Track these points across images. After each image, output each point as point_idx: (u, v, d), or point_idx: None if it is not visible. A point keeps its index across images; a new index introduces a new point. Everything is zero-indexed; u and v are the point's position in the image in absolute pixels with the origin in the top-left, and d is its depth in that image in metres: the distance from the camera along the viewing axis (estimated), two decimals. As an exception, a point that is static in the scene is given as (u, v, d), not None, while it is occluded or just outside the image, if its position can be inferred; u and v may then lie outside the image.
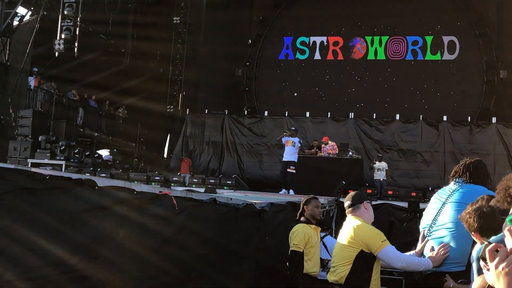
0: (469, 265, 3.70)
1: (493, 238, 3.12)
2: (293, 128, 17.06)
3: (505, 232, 1.87)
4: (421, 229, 4.64)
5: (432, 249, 4.38)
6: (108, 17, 22.60)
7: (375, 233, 4.62)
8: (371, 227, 4.71)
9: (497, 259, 1.85)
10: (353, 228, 4.62)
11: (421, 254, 4.52)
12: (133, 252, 4.05)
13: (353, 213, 4.79)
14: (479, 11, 25.97)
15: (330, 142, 18.88)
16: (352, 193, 5.01)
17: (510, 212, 2.00)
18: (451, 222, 4.32)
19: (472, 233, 3.52)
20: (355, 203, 4.79)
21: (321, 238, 7.02)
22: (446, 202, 4.42)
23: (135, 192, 4.06)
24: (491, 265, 1.86)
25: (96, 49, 23.53)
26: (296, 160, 16.04)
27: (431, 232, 4.47)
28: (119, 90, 25.18)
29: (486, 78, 25.80)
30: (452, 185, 4.51)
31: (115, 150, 22.79)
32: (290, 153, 16.02)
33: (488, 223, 3.38)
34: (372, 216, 4.86)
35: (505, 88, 24.88)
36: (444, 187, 4.59)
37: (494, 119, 21.74)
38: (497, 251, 1.88)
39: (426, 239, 4.49)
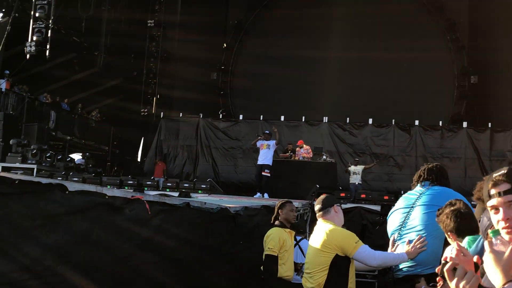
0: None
1: (469, 238, 3.16)
2: (267, 132, 17.11)
3: (485, 243, 1.90)
4: (390, 234, 4.65)
5: None
6: (82, 19, 22.36)
7: (347, 235, 4.62)
8: (343, 230, 4.71)
9: (455, 279, 1.87)
10: (325, 233, 4.60)
11: None
12: (105, 257, 4.01)
13: (323, 217, 4.78)
14: (451, 17, 26.38)
15: (304, 145, 18.97)
16: (322, 196, 4.98)
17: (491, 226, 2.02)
18: (421, 224, 4.34)
19: (448, 233, 3.53)
20: (325, 207, 4.78)
21: (297, 242, 7.03)
22: (414, 205, 4.43)
23: (106, 197, 4.01)
24: (452, 285, 1.88)
25: (69, 52, 23.25)
26: (270, 164, 16.11)
27: (401, 236, 4.48)
28: (92, 93, 24.92)
29: (458, 83, 26.21)
30: (419, 188, 4.54)
31: (87, 153, 22.52)
32: (264, 157, 16.09)
33: (465, 224, 3.42)
34: (342, 219, 4.86)
35: (476, 93, 25.30)
36: (409, 191, 4.62)
37: (465, 124, 22.11)
38: (454, 269, 1.90)
39: (396, 244, 4.51)
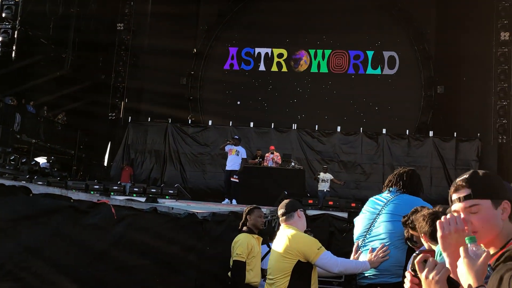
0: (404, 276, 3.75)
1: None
2: (237, 137, 17.13)
3: (460, 249, 1.92)
4: (355, 238, 4.66)
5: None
6: (50, 21, 22.00)
7: (310, 241, 4.60)
8: (306, 236, 4.71)
9: (426, 269, 1.90)
10: (288, 238, 4.58)
11: None
12: (69, 263, 3.91)
13: (286, 222, 4.75)
14: (419, 28, 26.83)
15: (275, 152, 19.08)
16: (285, 201, 4.95)
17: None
18: (385, 233, 4.35)
19: (422, 235, 3.55)
20: (288, 212, 4.75)
21: (270, 248, 7.04)
22: (380, 212, 4.45)
23: (72, 200, 3.93)
24: (422, 276, 1.90)
25: (36, 53, 22.85)
26: (239, 169, 16.07)
27: (365, 243, 4.49)
28: (59, 96, 24.52)
29: (424, 93, 26.64)
30: (386, 195, 4.55)
31: (53, 157, 22.12)
32: (233, 162, 16.06)
33: None
34: (305, 224, 4.84)
35: (442, 103, 25.75)
36: (378, 196, 4.63)
37: (431, 133, 22.50)
38: (425, 261, 1.93)
39: (359, 252, 4.51)
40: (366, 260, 4.34)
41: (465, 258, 1.87)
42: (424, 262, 1.94)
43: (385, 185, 4.66)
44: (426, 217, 3.53)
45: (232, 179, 15.95)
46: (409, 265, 2.82)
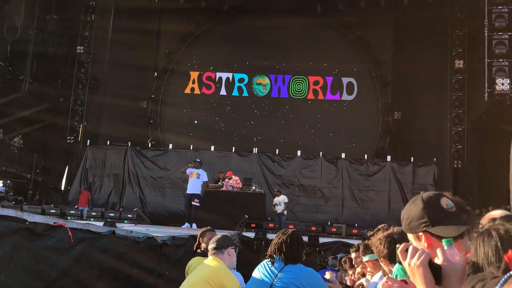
0: None
1: (398, 266, 3.23)
2: (198, 160, 17.09)
3: (438, 251, 1.97)
4: None
5: None
6: (7, 42, 21.66)
7: (234, 279, 4.60)
8: (231, 273, 4.68)
9: (408, 256, 1.97)
10: (214, 268, 4.57)
11: None
12: (24, 285, 3.82)
13: (215, 255, 4.74)
14: (376, 55, 27.44)
15: (233, 176, 19.04)
16: (218, 236, 4.95)
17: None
18: None
19: (381, 259, 3.55)
20: (219, 248, 4.74)
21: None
22: (273, 285, 4.42)
23: (27, 223, 3.85)
24: (405, 263, 1.96)
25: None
26: (200, 193, 15.95)
27: None
28: (16, 119, 24.03)
29: (382, 119, 27.16)
30: (272, 267, 4.46)
31: (8, 181, 21.58)
32: (194, 185, 15.93)
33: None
34: (234, 263, 4.84)
35: (399, 128, 26.27)
36: (266, 265, 4.51)
37: (389, 158, 22.89)
38: (406, 250, 2.01)
39: None
40: None
41: (444, 262, 1.92)
42: (406, 251, 2.00)
43: (268, 254, 4.60)
44: (382, 240, 3.50)
45: (193, 202, 15.80)
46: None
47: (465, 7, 24.69)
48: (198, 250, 6.30)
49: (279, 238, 4.57)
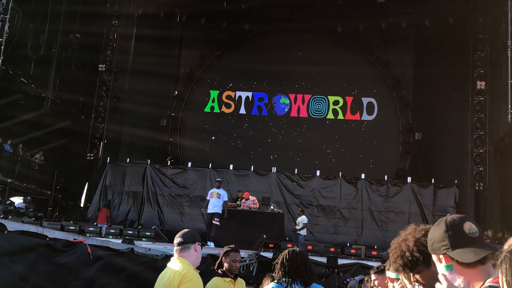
0: None
1: None
2: (219, 180, 17.31)
3: (440, 277, 1.95)
4: None
5: None
6: (31, 60, 22.01)
7: (196, 285, 4.27)
8: (195, 277, 4.31)
9: None
10: (176, 274, 4.25)
11: None
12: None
13: (180, 253, 4.39)
14: (397, 75, 27.35)
15: (250, 197, 18.98)
16: (184, 230, 4.62)
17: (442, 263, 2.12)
18: None
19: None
20: (186, 242, 4.40)
21: None
22: None
23: (47, 238, 3.86)
24: None
25: (16, 92, 22.76)
26: (221, 212, 16.10)
27: None
28: (37, 135, 24.33)
29: (402, 139, 26.96)
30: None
31: (28, 197, 21.79)
32: (215, 205, 16.09)
33: None
34: (199, 260, 4.52)
35: (420, 149, 26.03)
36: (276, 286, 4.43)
37: (409, 179, 22.66)
38: None
39: None
40: None
41: (448, 287, 1.93)
42: None
43: (276, 272, 4.53)
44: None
45: (213, 221, 15.92)
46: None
47: (487, 28, 24.56)
48: (219, 270, 6.18)
49: (286, 255, 4.46)
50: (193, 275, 4.24)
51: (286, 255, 4.52)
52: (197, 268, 4.38)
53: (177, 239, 4.42)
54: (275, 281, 4.50)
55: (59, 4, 23.08)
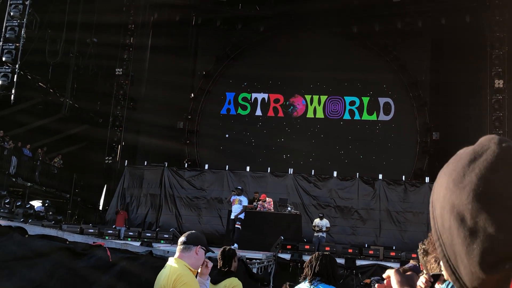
0: None
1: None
2: (240, 188, 18.30)
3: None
4: None
5: None
6: (49, 65, 22.26)
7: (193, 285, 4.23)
8: (191, 282, 4.24)
9: None
10: (173, 276, 4.17)
11: None
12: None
13: (180, 253, 4.31)
14: (413, 75, 27.19)
15: (267, 198, 18.98)
16: (191, 231, 4.58)
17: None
18: None
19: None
20: (188, 243, 4.30)
21: None
22: None
23: (67, 242, 3.91)
24: None
25: (35, 97, 23.04)
26: (242, 217, 17.29)
27: None
28: (56, 140, 24.60)
29: (420, 139, 26.78)
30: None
31: (48, 201, 22.03)
32: (236, 211, 17.33)
33: None
34: (199, 263, 4.41)
35: (437, 149, 25.84)
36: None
37: (427, 179, 22.47)
38: None
39: None
40: None
41: None
42: None
43: (307, 274, 4.56)
44: (438, 259, 3.51)
45: (236, 225, 17.10)
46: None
47: (504, 26, 24.30)
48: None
49: (317, 256, 4.55)
50: (188, 278, 4.19)
51: (315, 255, 4.64)
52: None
53: (181, 239, 4.39)
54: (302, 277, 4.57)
55: (75, 13, 23.24)
